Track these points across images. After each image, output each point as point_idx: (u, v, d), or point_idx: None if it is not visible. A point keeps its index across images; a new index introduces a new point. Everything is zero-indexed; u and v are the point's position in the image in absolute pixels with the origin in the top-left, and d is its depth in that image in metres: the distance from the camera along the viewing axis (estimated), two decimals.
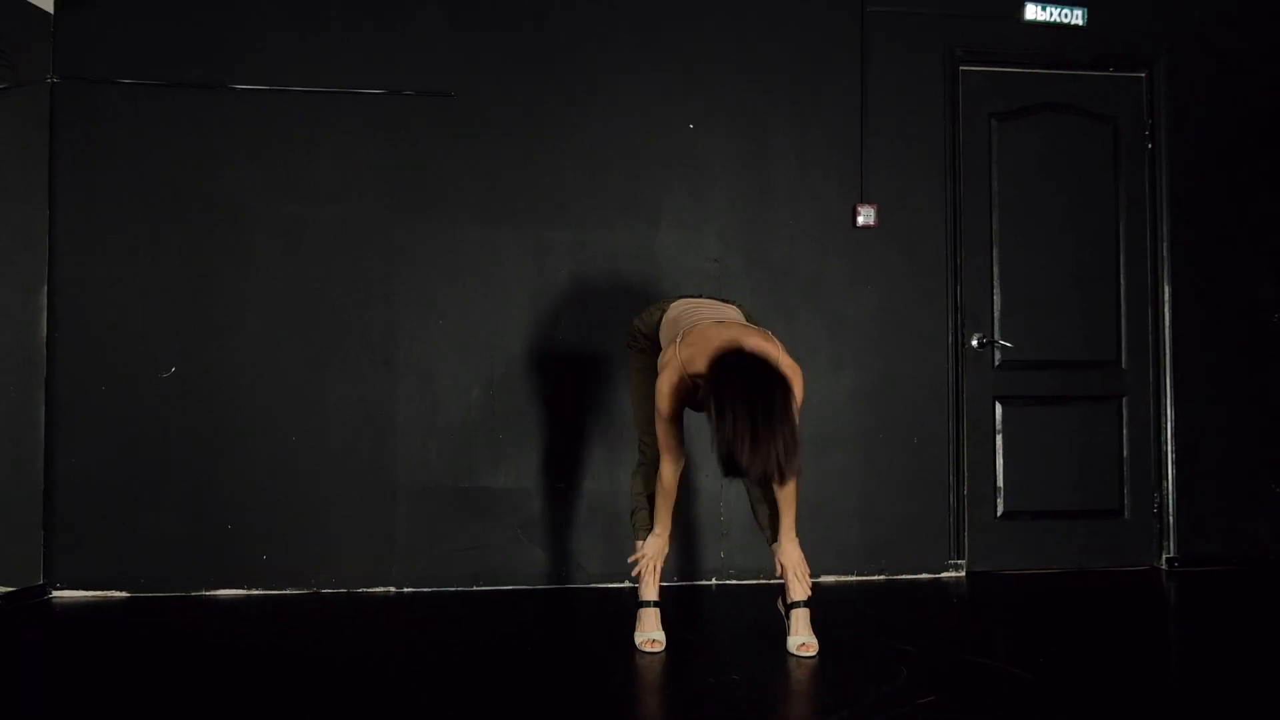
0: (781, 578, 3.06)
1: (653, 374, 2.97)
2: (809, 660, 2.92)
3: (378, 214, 3.98)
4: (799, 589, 2.99)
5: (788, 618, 3.02)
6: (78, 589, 3.79)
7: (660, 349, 3.02)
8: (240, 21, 3.94)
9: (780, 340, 2.96)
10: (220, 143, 3.92)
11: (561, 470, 4.03)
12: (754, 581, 4.03)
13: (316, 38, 3.97)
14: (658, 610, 3.08)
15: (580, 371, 4.05)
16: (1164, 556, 4.38)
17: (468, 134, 4.03)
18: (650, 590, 3.10)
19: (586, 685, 2.77)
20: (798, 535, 3.06)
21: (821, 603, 3.67)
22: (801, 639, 2.96)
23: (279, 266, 3.93)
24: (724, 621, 3.60)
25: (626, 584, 3.97)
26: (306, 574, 3.89)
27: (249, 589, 3.87)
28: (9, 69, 3.67)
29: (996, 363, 4.35)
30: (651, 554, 3.09)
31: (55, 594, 3.78)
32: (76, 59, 3.85)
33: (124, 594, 3.80)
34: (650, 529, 3.10)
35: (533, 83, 4.07)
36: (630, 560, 3.15)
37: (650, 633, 3.05)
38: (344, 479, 3.93)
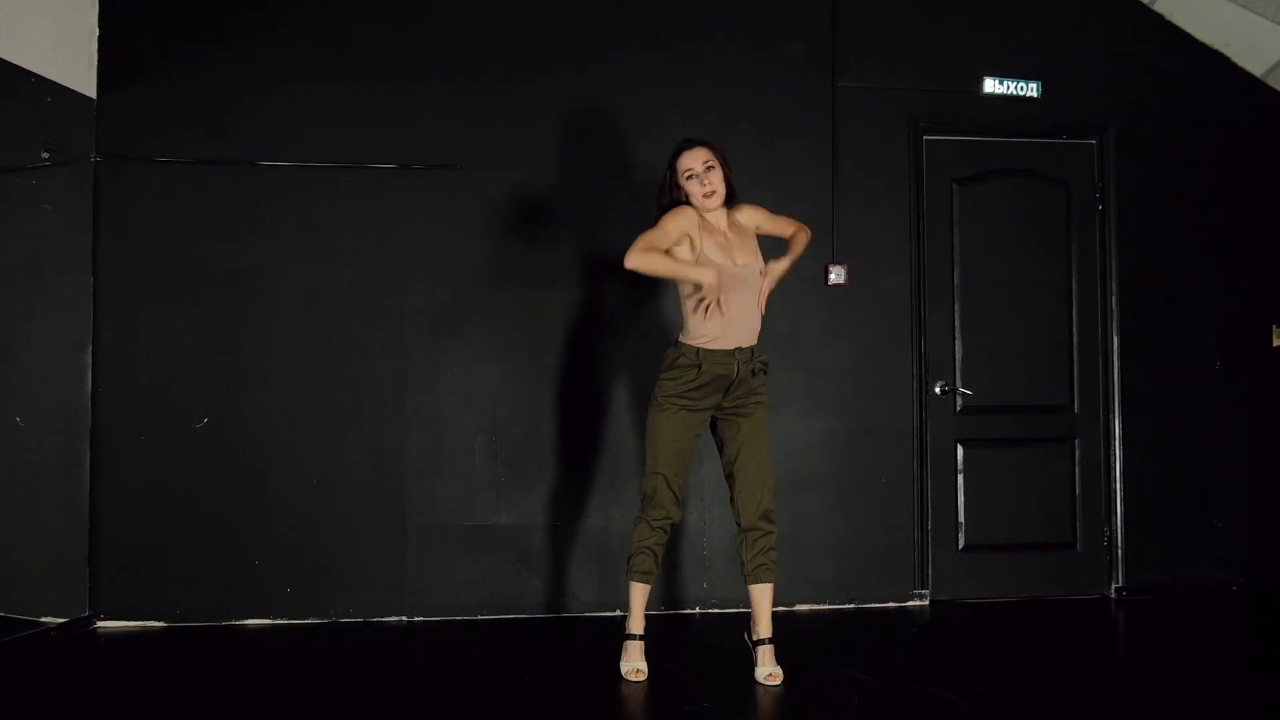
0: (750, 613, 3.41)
1: (683, 428, 3.32)
2: (775, 688, 3.28)
3: (390, 277, 4.32)
4: (764, 628, 3.36)
5: (754, 651, 3.38)
6: (120, 620, 4.15)
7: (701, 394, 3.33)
8: (265, 104, 4.28)
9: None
10: (248, 213, 4.27)
11: (559, 509, 4.37)
12: (735, 610, 4.37)
13: (334, 117, 4.31)
14: (642, 643, 3.43)
15: (575, 418, 4.38)
16: (1113, 586, 4.66)
17: (472, 203, 4.37)
18: (636, 624, 3.44)
19: (574, 711, 3.12)
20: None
21: (795, 631, 4.05)
22: (768, 669, 3.34)
23: (301, 325, 4.28)
24: (703, 650, 3.92)
25: (617, 613, 4.32)
26: (326, 605, 4.24)
27: (274, 619, 4.22)
28: (57, 150, 4.05)
29: (958, 408, 4.65)
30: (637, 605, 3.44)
31: (100, 624, 4.14)
32: (116, 139, 4.20)
33: (162, 624, 4.16)
34: (651, 575, 3.41)
35: (532, 156, 4.41)
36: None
37: (634, 663, 3.40)
38: (360, 518, 4.27)
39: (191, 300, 4.24)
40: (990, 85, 4.66)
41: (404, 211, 4.35)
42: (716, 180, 3.31)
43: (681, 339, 3.36)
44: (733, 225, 3.39)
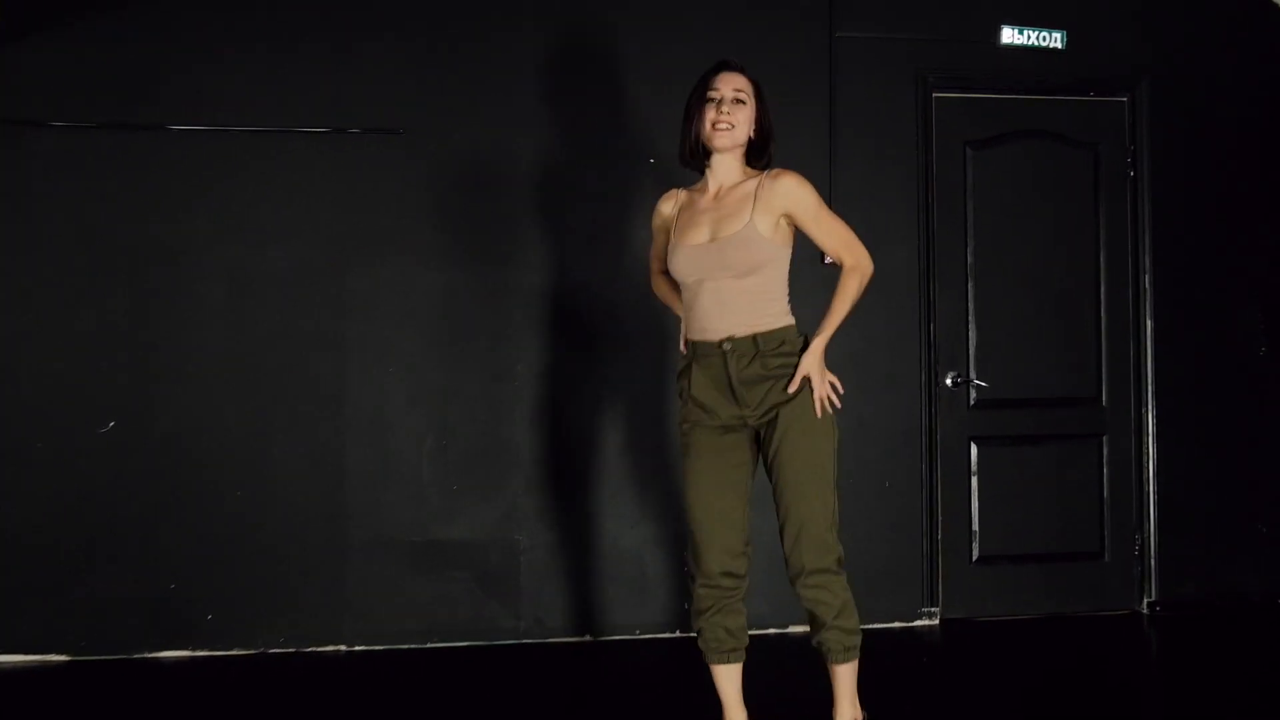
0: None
1: (710, 460, 2.66)
2: None
3: (326, 258, 3.84)
4: (842, 712, 2.72)
5: None
6: (15, 653, 3.68)
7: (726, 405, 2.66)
8: (178, 60, 3.78)
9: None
10: (161, 186, 3.78)
11: (520, 522, 3.91)
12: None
13: (258, 75, 3.82)
14: None
15: (539, 418, 3.92)
16: (1145, 600, 4.26)
17: (419, 173, 3.88)
18: (731, 715, 2.74)
19: None
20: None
21: (789, 655, 3.68)
22: None
23: (224, 314, 3.80)
24: (686, 673, 3.46)
25: (586, 638, 3.87)
26: (254, 633, 3.78)
27: (194, 650, 3.75)
28: None
29: (972, 402, 4.22)
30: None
31: None
32: (9, 100, 3.70)
33: (64, 658, 3.69)
34: (725, 651, 2.68)
35: (486, 119, 3.91)
36: None
37: None
38: (292, 534, 3.81)
39: (96, 285, 3.75)
40: (1009, 35, 4.19)
41: (341, 183, 3.86)
42: (740, 116, 2.65)
43: None
44: (739, 190, 2.67)
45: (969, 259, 4.22)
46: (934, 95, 4.18)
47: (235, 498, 3.78)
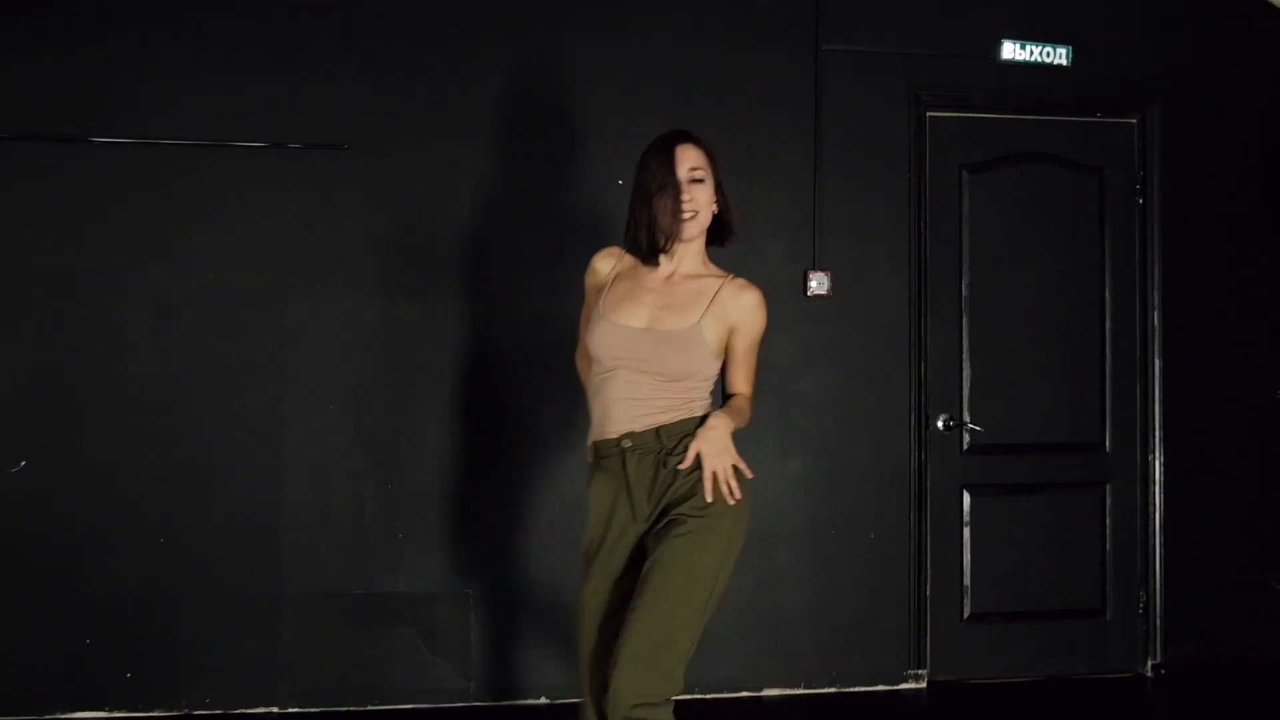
0: None
1: (613, 584, 2.31)
2: None
3: (262, 284, 3.55)
4: None
5: None
6: None
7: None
8: (102, 66, 3.49)
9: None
10: (80, 204, 3.47)
11: (470, 573, 3.61)
12: (719, 696, 3.61)
13: (190, 85, 3.52)
14: None
15: (493, 462, 3.63)
16: (1150, 663, 4.01)
17: (366, 192, 3.59)
18: None
19: None
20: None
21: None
22: None
23: (149, 345, 3.50)
24: None
25: (542, 700, 3.59)
26: (177, 693, 3.48)
27: (110, 710, 3.46)
28: None
29: (965, 446, 3.95)
30: None
31: None
32: None
33: None
34: None
35: (438, 136, 3.62)
36: None
37: None
38: (221, 585, 3.51)
39: (7, 309, 3.45)
40: (1010, 51, 3.91)
41: (280, 201, 3.57)
42: (702, 198, 2.35)
43: None
44: (695, 284, 2.37)
45: (964, 291, 3.95)
46: (928, 114, 3.91)
47: (159, 544, 3.48)
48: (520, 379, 3.66)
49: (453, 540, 3.61)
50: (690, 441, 2.26)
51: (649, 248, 2.35)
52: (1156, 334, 4.00)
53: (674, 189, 2.31)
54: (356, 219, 3.58)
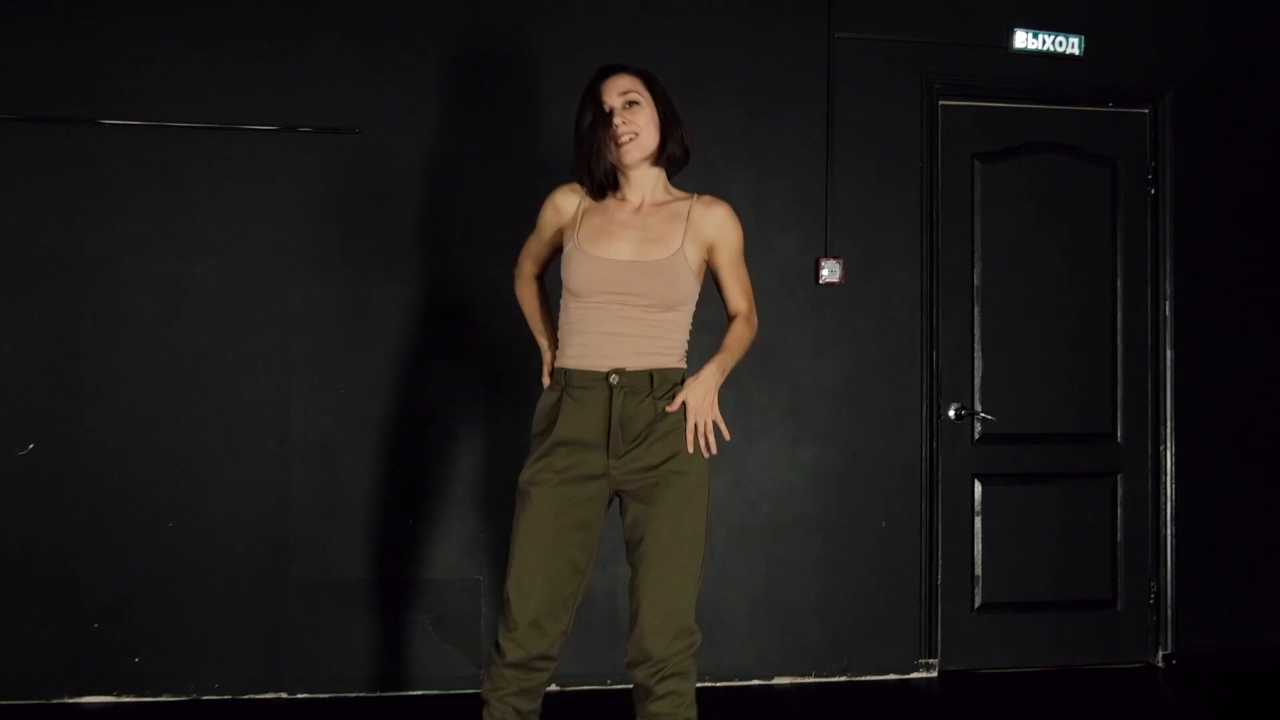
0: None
1: (549, 516, 2.28)
2: None
3: (270, 269, 3.52)
4: None
5: None
6: None
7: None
8: (110, 48, 3.45)
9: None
10: (86, 186, 3.44)
11: (480, 560, 3.58)
12: (709, 684, 3.58)
13: (199, 67, 3.49)
14: None
15: (503, 448, 3.60)
16: (1160, 653, 3.98)
17: (376, 177, 3.56)
18: None
19: None
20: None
21: (774, 711, 3.43)
22: None
23: (155, 330, 3.46)
24: None
25: (554, 688, 3.55)
26: (185, 678, 3.45)
27: (119, 695, 3.42)
28: None
29: (976, 436, 3.92)
30: None
31: None
32: None
33: None
34: None
35: (450, 117, 3.59)
36: None
37: None
38: (230, 570, 3.48)
39: (14, 294, 3.42)
40: (1022, 40, 3.88)
41: (290, 186, 3.53)
42: (641, 120, 2.33)
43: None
44: (666, 209, 2.37)
45: (976, 281, 3.92)
46: (940, 103, 3.88)
47: (167, 529, 3.45)
48: (533, 364, 3.62)
49: (463, 527, 3.58)
50: (679, 390, 2.29)
51: (599, 184, 2.35)
52: (1168, 325, 3.97)
53: (604, 119, 2.31)
54: (370, 203, 3.55)
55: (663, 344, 2.31)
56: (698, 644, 2.27)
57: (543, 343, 2.57)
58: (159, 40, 3.48)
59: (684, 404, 2.27)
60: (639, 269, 2.27)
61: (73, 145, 3.43)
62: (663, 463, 2.27)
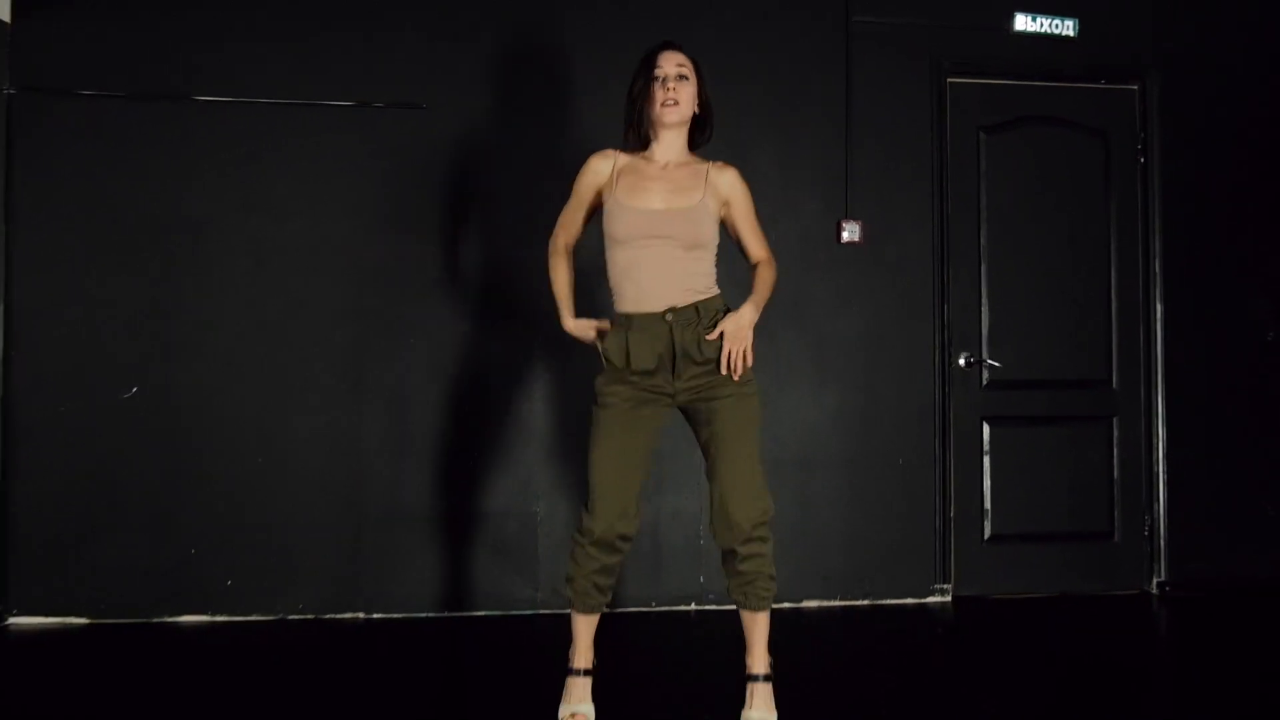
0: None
1: (625, 425, 2.66)
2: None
3: (346, 231, 3.86)
4: (759, 661, 2.68)
5: (748, 689, 2.70)
6: (36, 615, 3.68)
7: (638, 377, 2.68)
8: (205, 31, 3.81)
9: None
10: (184, 155, 3.79)
11: (536, 493, 3.91)
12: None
13: (284, 48, 3.84)
14: (588, 680, 2.74)
15: (556, 391, 3.93)
16: (1155, 580, 4.27)
17: (442, 147, 3.90)
18: (580, 658, 2.75)
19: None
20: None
21: (803, 629, 3.68)
22: (755, 714, 2.65)
23: (244, 285, 3.81)
24: (705, 649, 3.47)
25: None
26: (272, 600, 3.77)
27: (213, 615, 3.75)
28: None
29: (984, 382, 4.23)
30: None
31: (13, 620, 3.67)
32: (34, 69, 3.72)
33: (84, 620, 3.69)
34: (593, 605, 2.72)
35: (507, 95, 3.94)
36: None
37: (573, 705, 2.69)
38: (311, 502, 3.81)
39: (119, 254, 3.76)
40: (1022, 22, 4.23)
41: (364, 156, 3.88)
42: (685, 93, 2.70)
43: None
44: (688, 169, 2.74)
45: (982, 242, 4.24)
46: (948, 81, 4.21)
47: (256, 465, 3.78)
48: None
49: (520, 466, 3.91)
50: (721, 319, 2.66)
51: (642, 135, 2.74)
52: (1157, 280, 4.29)
53: (658, 82, 2.70)
54: (437, 171, 3.88)
55: (699, 281, 2.67)
56: (771, 511, 2.63)
57: (564, 311, 2.83)
58: (248, 26, 3.83)
59: (722, 333, 2.63)
60: (669, 215, 2.64)
61: (172, 120, 3.78)
62: (719, 376, 2.64)
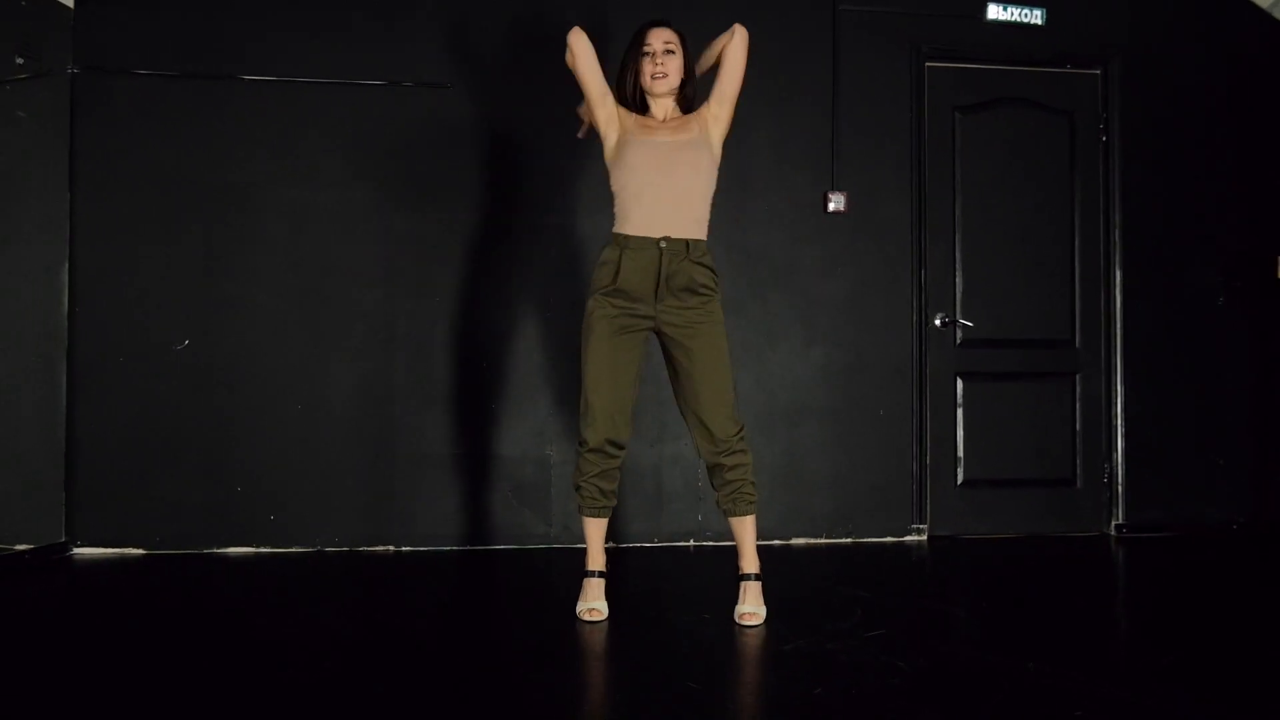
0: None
1: (615, 347, 2.99)
2: (756, 624, 3.02)
3: (377, 199, 4.21)
4: (749, 562, 3.07)
5: (740, 588, 3.08)
6: (97, 546, 4.04)
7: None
8: (249, 15, 4.16)
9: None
10: (230, 130, 4.15)
11: (549, 438, 4.28)
12: (731, 544, 4.26)
13: (320, 33, 4.19)
14: (602, 581, 3.12)
15: (565, 347, 4.27)
16: (1113, 523, 4.61)
17: (465, 124, 4.26)
18: (594, 560, 3.14)
19: (557, 642, 2.97)
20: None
21: (791, 563, 4.00)
22: (747, 608, 3.00)
23: (285, 248, 4.17)
24: (702, 575, 3.83)
25: (610, 545, 4.24)
26: (311, 534, 4.14)
27: (258, 547, 4.11)
28: (33, 58, 3.91)
29: (958, 341, 4.58)
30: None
31: (76, 551, 4.03)
32: (95, 51, 4.07)
33: (141, 551, 4.05)
34: (601, 508, 3.09)
35: (526, 74, 4.30)
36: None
37: (590, 602, 3.06)
38: (346, 446, 4.17)
39: (173, 219, 4.12)
40: (994, 12, 4.59)
41: (393, 130, 4.24)
42: (673, 66, 3.06)
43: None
44: (685, 119, 3.11)
45: (956, 213, 4.58)
46: (926, 65, 4.55)
47: (295, 412, 4.15)
48: (586, 280, 4.26)
49: (535, 412, 4.28)
50: (710, 279, 3.01)
51: (635, 100, 3.11)
52: (1117, 249, 4.64)
53: (647, 57, 3.06)
54: (461, 145, 4.24)
55: (694, 223, 3.03)
56: (744, 430, 3.05)
57: (593, 96, 3.07)
58: (289, 12, 4.18)
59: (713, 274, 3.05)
60: (674, 145, 3.02)
61: (219, 97, 4.14)
62: (696, 310, 3.00)
